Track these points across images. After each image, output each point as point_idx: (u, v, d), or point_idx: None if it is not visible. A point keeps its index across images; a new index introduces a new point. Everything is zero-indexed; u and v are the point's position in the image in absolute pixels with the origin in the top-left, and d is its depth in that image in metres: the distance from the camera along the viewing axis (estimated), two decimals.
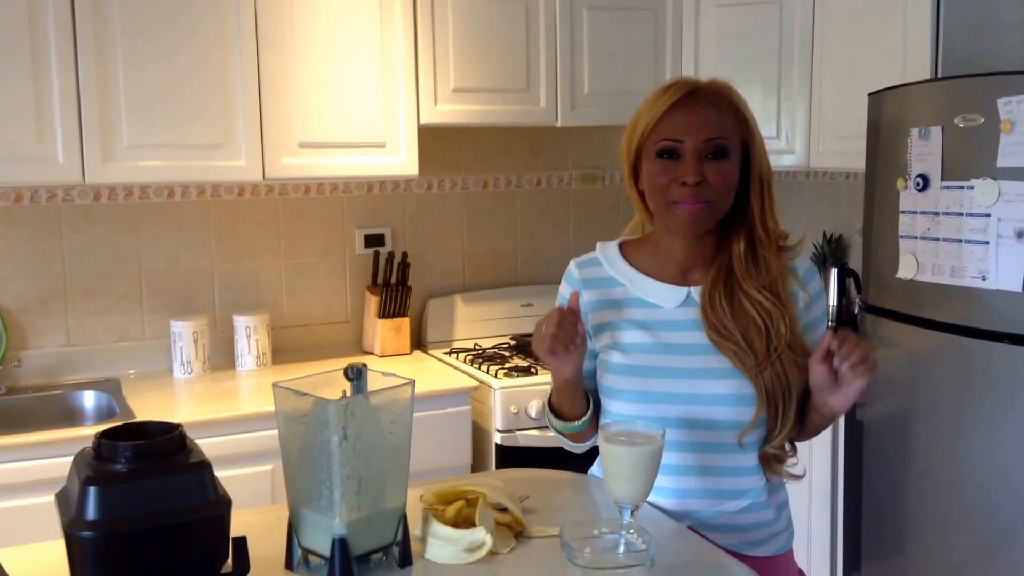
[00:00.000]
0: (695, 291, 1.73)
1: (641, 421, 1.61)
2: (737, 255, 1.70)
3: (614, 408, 1.76)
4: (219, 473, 1.39)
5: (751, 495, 1.72)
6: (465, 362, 3.39)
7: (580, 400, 1.78)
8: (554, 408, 1.81)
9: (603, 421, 1.80)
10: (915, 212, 2.61)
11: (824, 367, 1.60)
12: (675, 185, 1.66)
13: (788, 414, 1.67)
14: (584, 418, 1.78)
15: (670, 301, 1.74)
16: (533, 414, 3.09)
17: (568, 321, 1.63)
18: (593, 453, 1.91)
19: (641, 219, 1.82)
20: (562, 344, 1.63)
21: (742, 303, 1.68)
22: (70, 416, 3.01)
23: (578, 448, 1.88)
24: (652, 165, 1.69)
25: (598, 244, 1.86)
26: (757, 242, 1.70)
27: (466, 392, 3.12)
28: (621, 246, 1.83)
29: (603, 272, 1.80)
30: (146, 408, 2.82)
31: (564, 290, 1.83)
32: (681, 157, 1.66)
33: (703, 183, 1.64)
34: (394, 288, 3.49)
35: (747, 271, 1.70)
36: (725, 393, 1.67)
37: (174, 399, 3.01)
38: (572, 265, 1.84)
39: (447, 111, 3.26)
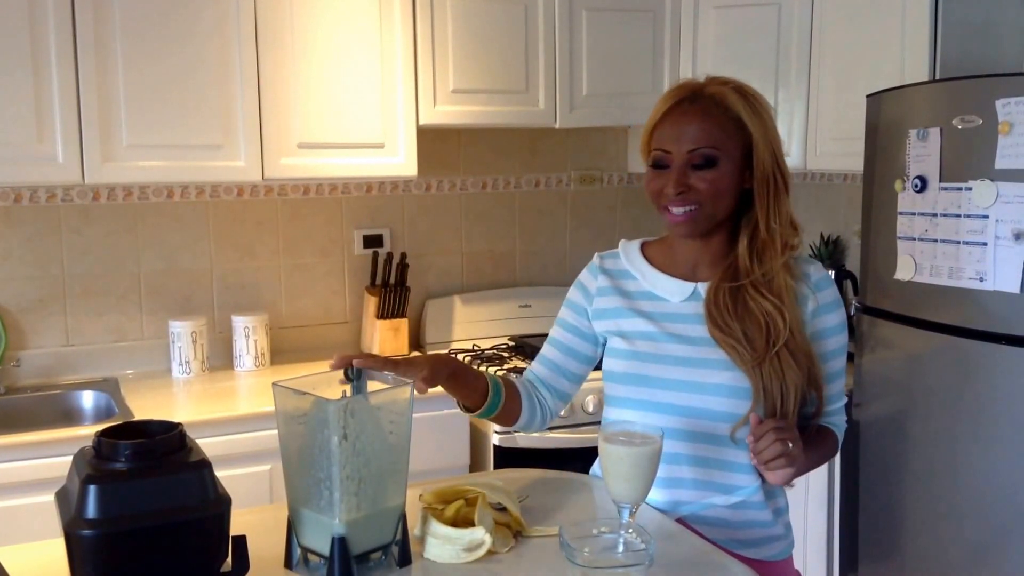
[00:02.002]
0: (701, 287, 1.77)
1: (639, 421, 1.62)
2: (742, 254, 1.74)
3: (613, 391, 1.81)
4: (217, 473, 1.39)
5: (743, 493, 1.73)
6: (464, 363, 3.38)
7: (474, 393, 1.79)
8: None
9: (606, 410, 1.84)
10: (913, 213, 2.62)
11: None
12: (663, 193, 1.72)
13: (787, 412, 1.68)
14: (483, 407, 1.79)
15: (676, 295, 1.78)
16: None
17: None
18: (592, 453, 1.92)
19: None
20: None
21: (745, 301, 1.71)
22: (69, 416, 3.01)
23: (516, 429, 1.94)
24: (647, 172, 1.77)
25: (621, 241, 1.92)
26: (761, 242, 1.73)
27: None
28: (643, 244, 1.89)
29: (620, 264, 1.87)
30: (145, 408, 2.82)
31: (583, 274, 1.91)
32: (669, 167, 1.71)
33: (687, 191, 1.69)
34: (393, 289, 3.49)
35: (751, 270, 1.72)
36: (721, 384, 1.69)
37: (173, 399, 3.01)
38: (596, 255, 1.91)
39: (446, 112, 3.26)
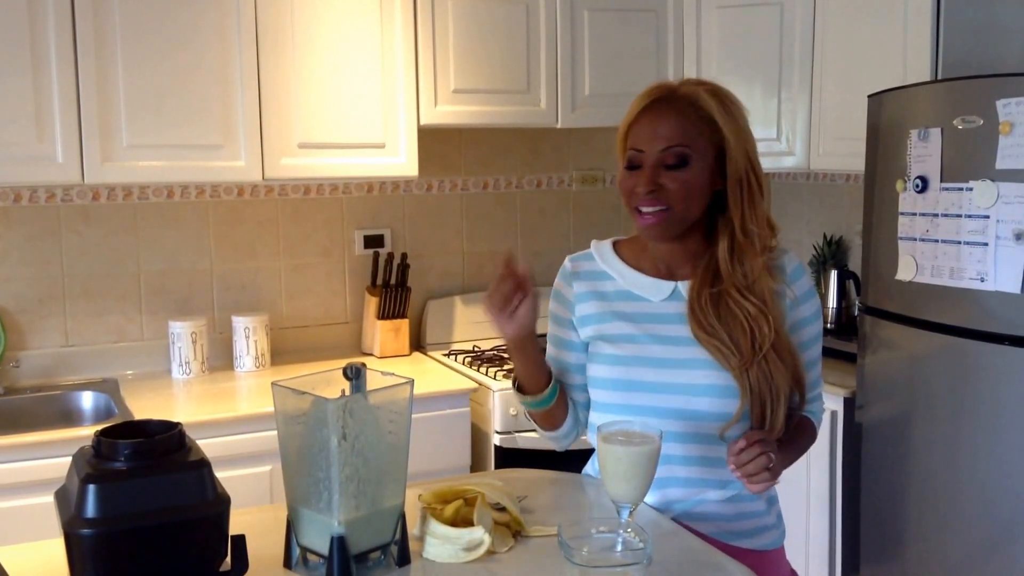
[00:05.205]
0: (682, 286, 1.76)
1: (638, 421, 1.61)
2: (721, 257, 1.73)
3: (599, 398, 1.80)
4: (217, 474, 1.39)
5: (735, 487, 1.72)
6: (464, 364, 3.39)
7: (539, 373, 1.79)
8: (519, 385, 1.83)
9: (593, 415, 1.82)
10: (914, 214, 2.61)
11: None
12: (634, 194, 1.71)
13: (777, 413, 1.68)
14: (545, 393, 1.79)
15: (657, 295, 1.77)
16: None
17: (504, 282, 1.69)
18: (587, 454, 1.91)
19: None
20: (496, 304, 1.70)
21: (727, 304, 1.70)
22: (68, 416, 3.01)
23: (554, 438, 1.88)
24: (620, 173, 1.76)
25: (592, 241, 1.90)
26: (738, 244, 1.72)
27: (465, 394, 3.12)
28: (615, 244, 1.87)
29: (595, 266, 1.85)
30: (144, 409, 2.82)
31: (557, 283, 1.89)
32: (642, 166, 1.70)
33: (658, 191, 1.68)
34: (393, 289, 3.49)
35: (731, 273, 1.72)
36: (708, 384, 1.69)
37: (172, 400, 3.01)
38: (567, 259, 1.89)
39: (447, 112, 3.26)
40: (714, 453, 1.71)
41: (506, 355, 3.47)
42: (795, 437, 1.77)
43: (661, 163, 1.69)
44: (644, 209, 1.70)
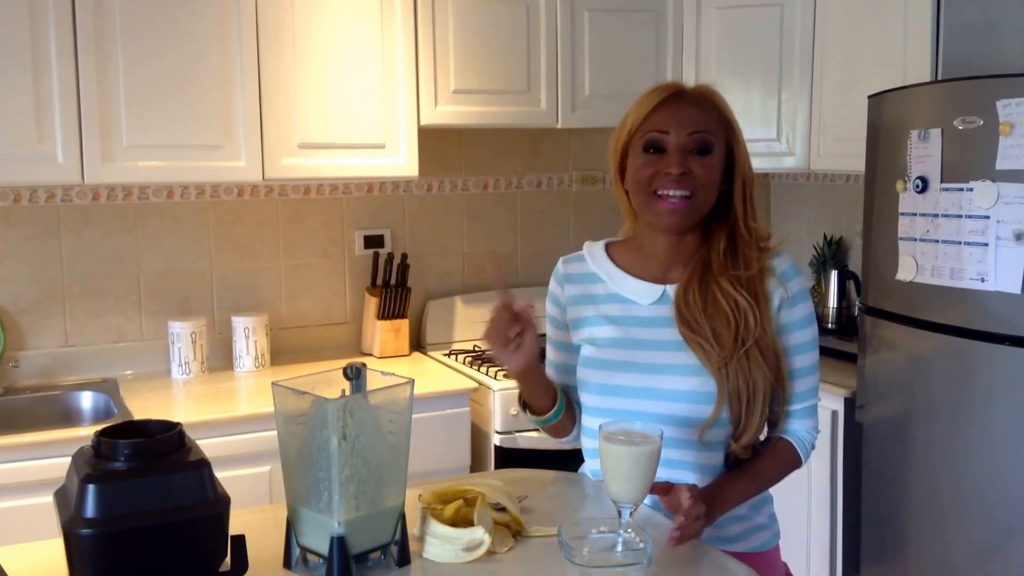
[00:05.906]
0: (671, 289, 1.75)
1: (639, 421, 1.61)
2: (717, 251, 1.73)
3: (585, 400, 1.81)
4: (217, 474, 1.39)
5: None
6: (464, 364, 3.38)
7: (544, 394, 1.80)
8: (526, 402, 1.85)
9: (584, 416, 1.82)
10: (914, 214, 2.61)
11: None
12: (659, 176, 1.68)
13: (753, 411, 1.68)
14: (551, 412, 1.81)
15: (645, 298, 1.76)
16: None
17: (500, 317, 1.67)
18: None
19: (631, 223, 1.85)
20: (497, 342, 1.68)
21: (716, 297, 1.70)
22: (68, 417, 3.01)
23: (566, 443, 1.91)
24: (638, 159, 1.72)
25: (585, 243, 1.90)
26: (739, 240, 1.73)
27: (465, 394, 3.12)
28: (608, 246, 1.87)
29: (586, 268, 1.85)
30: (144, 409, 2.82)
31: (551, 285, 1.89)
32: (666, 151, 1.69)
33: (687, 174, 1.67)
34: (393, 289, 3.49)
35: (724, 266, 1.71)
36: (687, 390, 1.69)
37: (172, 400, 3.01)
38: (560, 261, 1.89)
39: (447, 112, 3.26)
40: (693, 459, 1.71)
41: None
42: (762, 465, 1.75)
43: (687, 148, 1.68)
44: (672, 192, 1.67)
